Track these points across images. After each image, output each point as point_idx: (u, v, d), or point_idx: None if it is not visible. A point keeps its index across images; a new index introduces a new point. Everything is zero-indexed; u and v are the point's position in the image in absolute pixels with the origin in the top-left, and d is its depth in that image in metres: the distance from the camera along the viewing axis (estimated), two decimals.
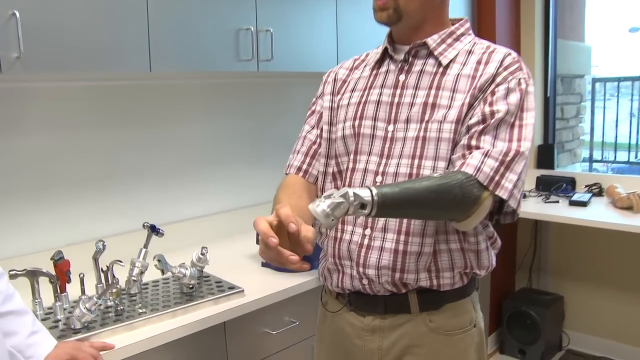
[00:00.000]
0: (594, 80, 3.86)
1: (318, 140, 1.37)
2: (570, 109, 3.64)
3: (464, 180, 1.08)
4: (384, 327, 1.26)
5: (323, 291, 1.42)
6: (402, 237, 1.19)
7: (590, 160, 3.87)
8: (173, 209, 2.25)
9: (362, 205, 1.02)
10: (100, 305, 1.45)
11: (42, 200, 1.89)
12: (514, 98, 1.15)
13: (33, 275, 1.52)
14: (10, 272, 1.41)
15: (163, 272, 1.55)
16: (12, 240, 1.83)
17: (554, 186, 3.03)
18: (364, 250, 1.23)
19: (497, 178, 1.11)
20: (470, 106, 1.17)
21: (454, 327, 1.25)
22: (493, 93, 1.16)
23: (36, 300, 1.54)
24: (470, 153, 1.13)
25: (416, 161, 1.19)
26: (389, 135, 1.23)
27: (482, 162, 1.11)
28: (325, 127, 1.35)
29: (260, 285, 1.77)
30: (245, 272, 1.91)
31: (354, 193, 1.01)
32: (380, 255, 1.21)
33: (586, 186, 2.99)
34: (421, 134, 1.19)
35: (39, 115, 1.87)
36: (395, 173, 1.21)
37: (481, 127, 1.14)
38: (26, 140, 1.84)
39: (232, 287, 1.70)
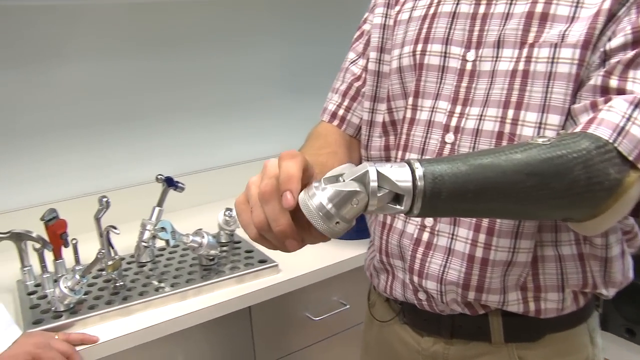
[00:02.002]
0: None
1: (363, 75, 0.93)
2: None
3: (592, 151, 0.60)
4: (448, 355, 0.85)
5: (372, 287, 1.03)
6: (483, 237, 0.75)
7: None
8: (200, 155, 1.85)
9: (396, 198, 0.57)
10: (85, 283, 1.15)
11: (35, 147, 1.56)
12: None
13: (19, 238, 1.26)
14: None
15: (168, 244, 1.21)
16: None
17: None
18: (420, 249, 0.81)
19: None
20: (612, 17, 0.68)
21: None
22: None
23: (25, 269, 1.27)
24: (606, 101, 0.66)
25: (510, 112, 0.73)
26: (469, 67, 0.78)
27: (628, 119, 0.63)
28: (373, 55, 0.90)
29: (300, 257, 1.39)
30: None
31: (378, 173, 0.56)
32: (446, 262, 0.78)
33: None
34: (521, 66, 0.73)
35: (52, 42, 1.53)
36: (476, 130, 0.76)
37: (631, 53, 0.66)
38: (26, 73, 1.52)
39: (263, 261, 1.34)
